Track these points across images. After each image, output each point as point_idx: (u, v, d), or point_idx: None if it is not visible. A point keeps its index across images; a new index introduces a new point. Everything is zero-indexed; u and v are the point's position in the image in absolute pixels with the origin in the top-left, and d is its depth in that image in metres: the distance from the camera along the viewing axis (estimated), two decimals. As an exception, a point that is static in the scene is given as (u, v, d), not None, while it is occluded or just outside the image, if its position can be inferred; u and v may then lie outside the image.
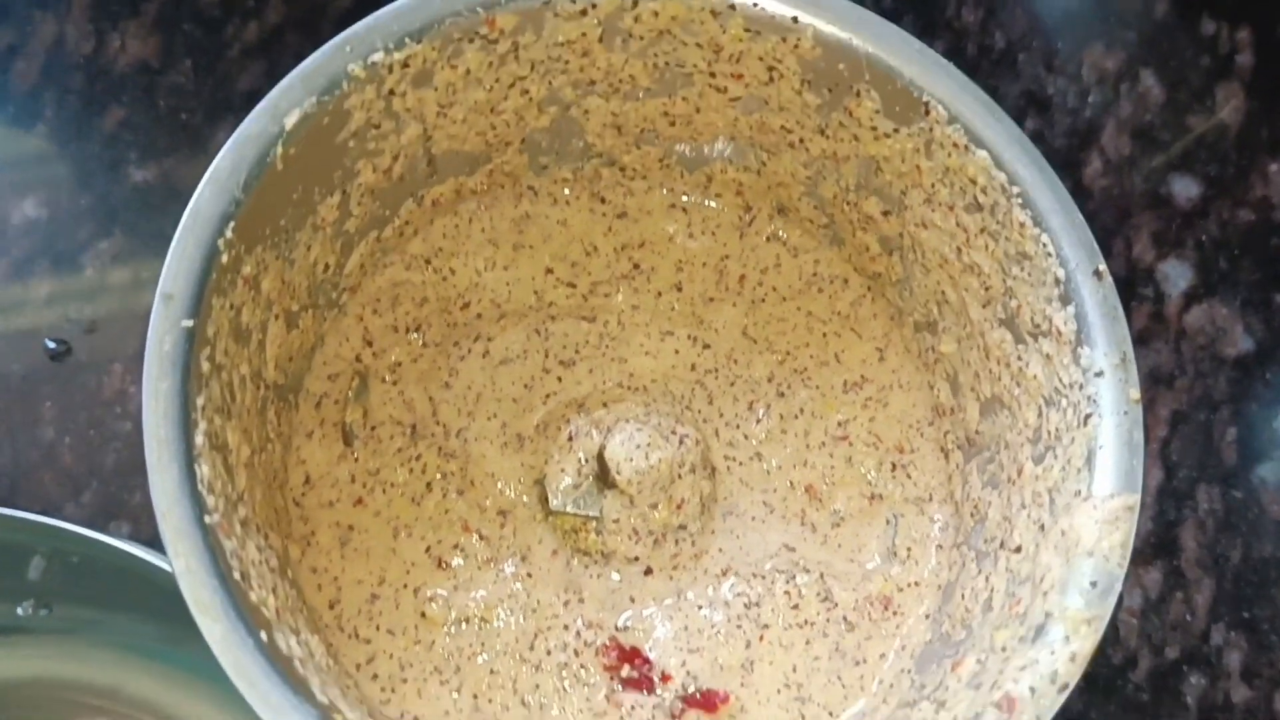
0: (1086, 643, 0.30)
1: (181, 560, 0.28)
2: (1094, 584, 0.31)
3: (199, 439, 0.30)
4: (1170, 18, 0.58)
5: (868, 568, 0.40)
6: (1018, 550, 0.34)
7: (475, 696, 0.37)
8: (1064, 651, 0.30)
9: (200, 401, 0.30)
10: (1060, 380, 0.34)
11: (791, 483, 0.41)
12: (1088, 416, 0.33)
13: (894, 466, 0.41)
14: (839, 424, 0.42)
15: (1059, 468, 0.33)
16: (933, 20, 0.57)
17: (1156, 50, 0.57)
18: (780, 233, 0.44)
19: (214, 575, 0.28)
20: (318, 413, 0.40)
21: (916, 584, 0.39)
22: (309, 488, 0.39)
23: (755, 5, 0.37)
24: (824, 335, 0.43)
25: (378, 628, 0.38)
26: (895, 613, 0.39)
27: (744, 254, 0.44)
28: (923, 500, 0.41)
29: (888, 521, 0.40)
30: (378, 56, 0.35)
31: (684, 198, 0.44)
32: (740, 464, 0.41)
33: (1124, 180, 0.55)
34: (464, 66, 0.36)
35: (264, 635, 0.29)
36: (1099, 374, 0.33)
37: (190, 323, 0.30)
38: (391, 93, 0.36)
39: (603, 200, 0.44)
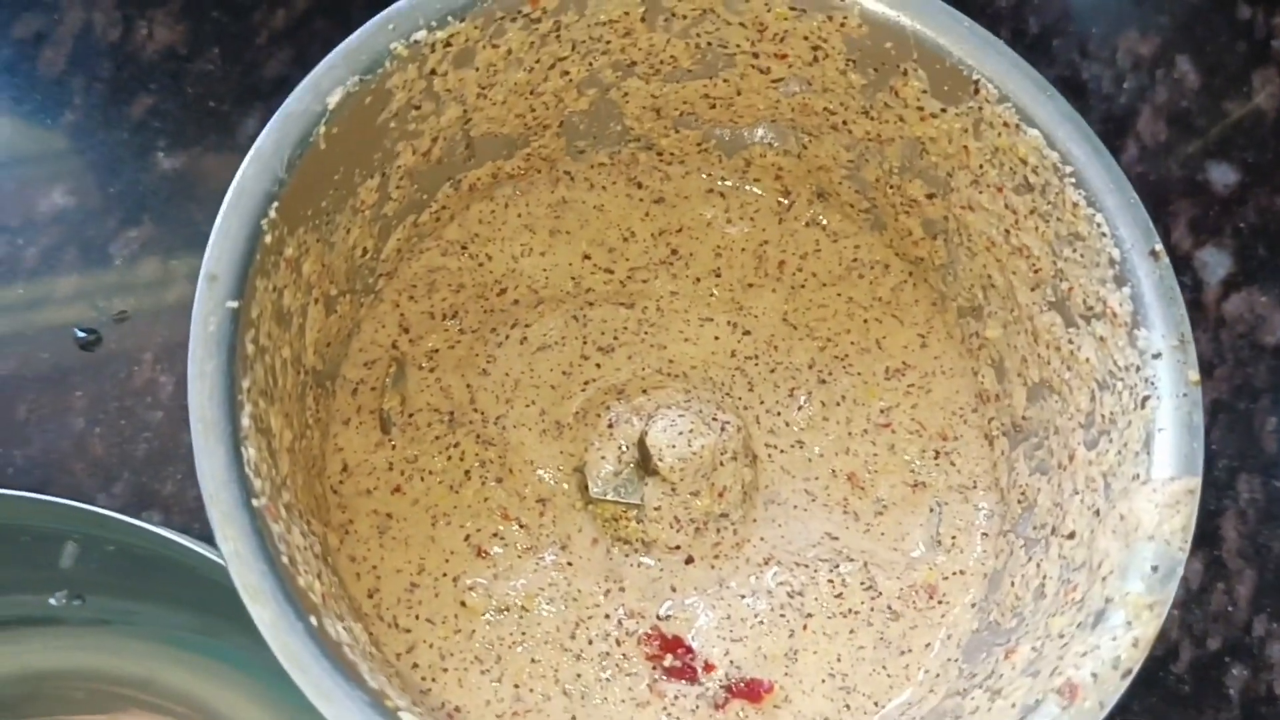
0: (1149, 628, 0.30)
1: (230, 544, 0.28)
2: (1155, 568, 0.30)
3: (245, 421, 0.29)
4: (1205, 3, 0.57)
5: (912, 556, 0.39)
6: (1071, 536, 0.34)
7: (516, 686, 0.37)
8: (1126, 637, 0.30)
9: (246, 384, 0.30)
10: (1115, 363, 0.34)
11: (834, 471, 0.40)
12: (1145, 399, 0.32)
13: (937, 454, 0.41)
14: (881, 411, 0.41)
15: (1114, 452, 0.33)
16: (966, 5, 0.56)
17: (1192, 36, 0.57)
18: (820, 218, 0.43)
19: (263, 559, 0.28)
20: (354, 400, 0.40)
21: (962, 572, 0.39)
22: (346, 475, 0.39)
23: (801, -16, 0.36)
24: (865, 321, 0.42)
25: (417, 617, 0.37)
26: (940, 601, 0.38)
27: (783, 239, 0.43)
28: (967, 488, 0.40)
29: (931, 510, 0.40)
30: (420, 35, 0.34)
31: (722, 182, 0.43)
32: (782, 451, 0.41)
33: (1160, 167, 0.54)
34: (506, 46, 0.36)
35: (314, 620, 0.28)
36: (1157, 356, 0.32)
37: (235, 304, 0.30)
38: (433, 72, 0.35)
39: (639, 185, 0.43)
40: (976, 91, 0.35)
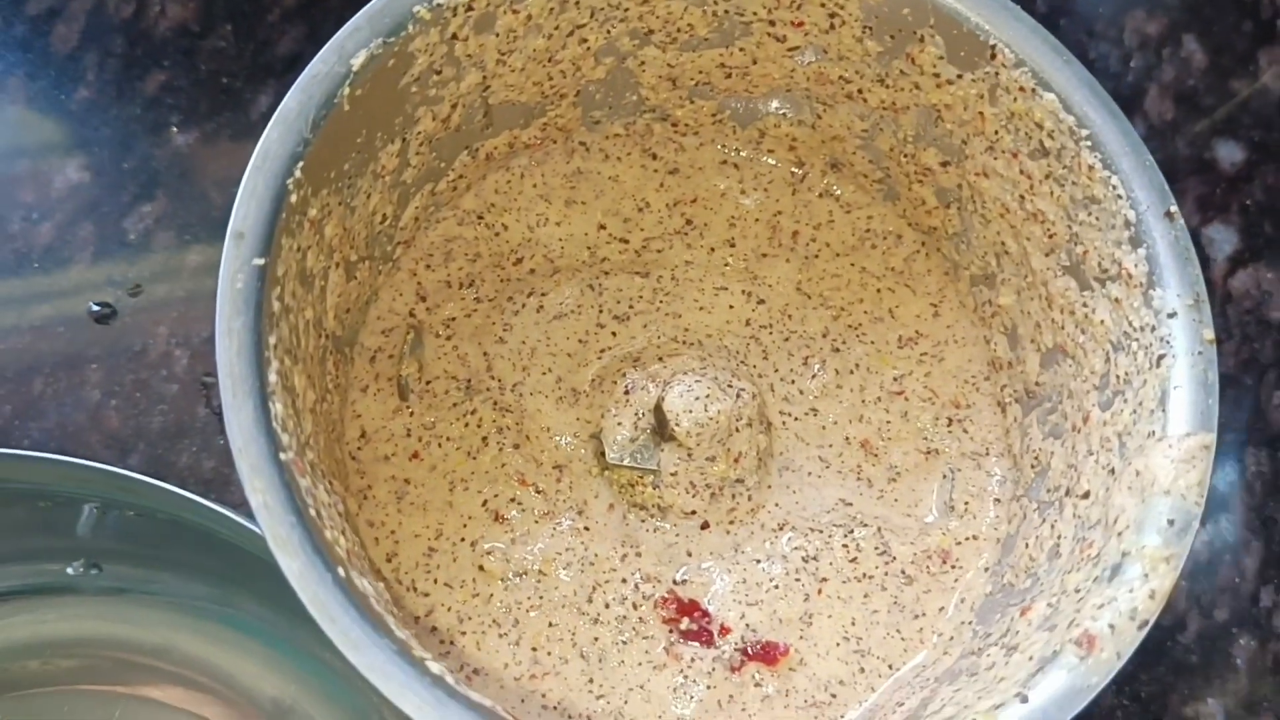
0: (1165, 580, 0.30)
1: (259, 495, 0.28)
2: (1171, 522, 0.30)
3: (272, 377, 0.29)
4: (1211, -17, 0.58)
5: (925, 522, 0.40)
6: (1086, 496, 0.34)
7: (534, 649, 0.37)
8: (1143, 589, 0.30)
9: (272, 340, 0.30)
10: (1130, 324, 0.34)
11: (847, 438, 0.41)
12: (1160, 358, 0.32)
13: (950, 421, 0.41)
14: (894, 379, 0.41)
15: (1129, 411, 0.33)
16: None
17: (1198, 15, 0.57)
18: (833, 188, 0.44)
19: (292, 511, 0.28)
20: (372, 367, 0.40)
21: (975, 537, 0.39)
22: (365, 441, 0.39)
23: (817, -49, 0.36)
24: (878, 291, 0.43)
25: (435, 581, 0.37)
26: (954, 566, 0.39)
27: (796, 210, 0.43)
28: (979, 454, 0.40)
29: (944, 476, 0.40)
30: (443, -1, 0.34)
31: (736, 153, 0.44)
32: (796, 419, 0.41)
33: (1168, 145, 0.54)
34: (526, 11, 0.36)
35: (341, 571, 0.28)
36: (1172, 315, 0.33)
37: (262, 261, 0.30)
38: (454, 37, 0.35)
39: (654, 156, 0.44)
40: (993, 56, 0.36)
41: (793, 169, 0.44)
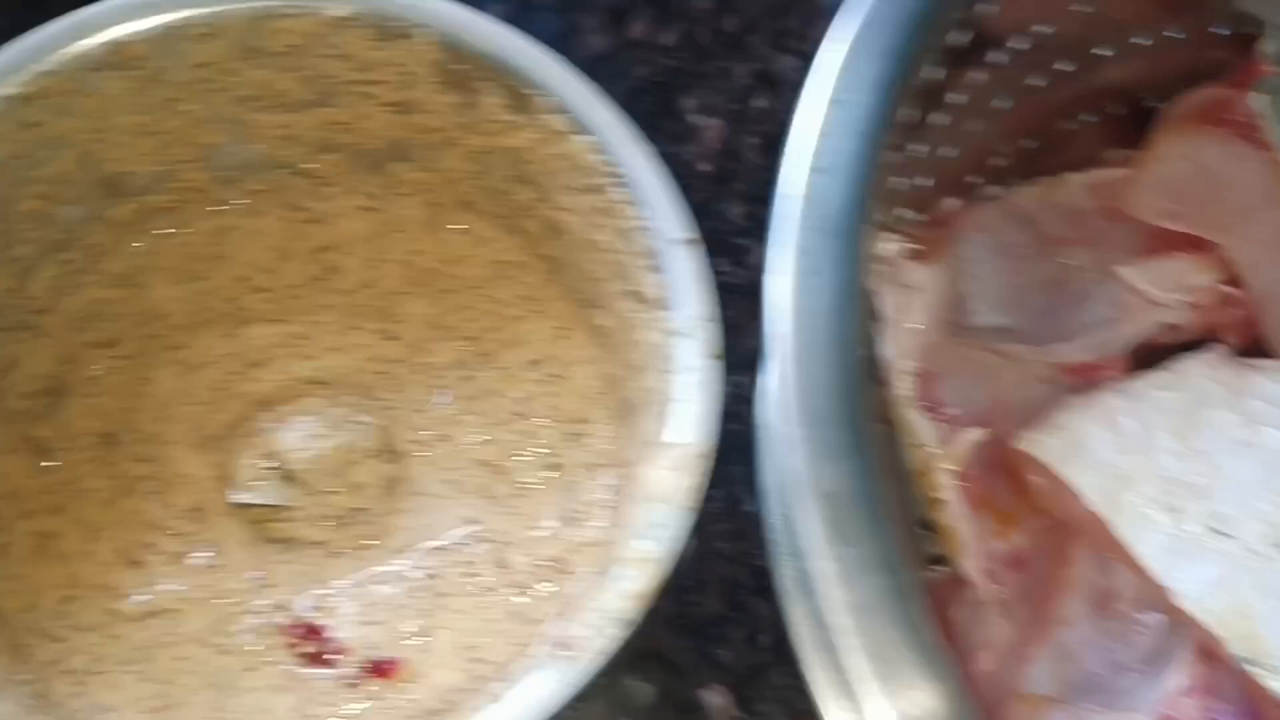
0: (652, 581, 0.33)
1: None
2: (661, 526, 0.33)
3: None
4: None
5: (545, 534, 0.42)
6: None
7: (166, 684, 0.40)
8: (631, 589, 0.33)
9: None
10: (658, 342, 0.37)
11: (475, 460, 0.43)
12: (668, 374, 0.36)
13: (572, 436, 0.44)
14: (522, 401, 0.44)
15: (652, 421, 0.36)
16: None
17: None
18: (465, 225, 0.46)
19: None
20: (16, 429, 0.42)
21: (586, 544, 0.42)
22: (6, 501, 0.41)
23: (375, 16, 0.39)
24: (509, 319, 0.45)
25: (72, 627, 0.40)
26: (567, 573, 0.42)
27: (434, 248, 0.46)
28: (596, 466, 0.43)
29: (565, 489, 0.43)
30: (10, 90, 0.37)
31: (371, 199, 0.46)
32: (427, 446, 0.44)
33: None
34: (106, 93, 0.39)
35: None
36: (684, 334, 0.36)
37: None
38: (34, 124, 0.38)
39: (294, 208, 0.46)
40: (539, 105, 0.39)
41: (427, 211, 0.46)
